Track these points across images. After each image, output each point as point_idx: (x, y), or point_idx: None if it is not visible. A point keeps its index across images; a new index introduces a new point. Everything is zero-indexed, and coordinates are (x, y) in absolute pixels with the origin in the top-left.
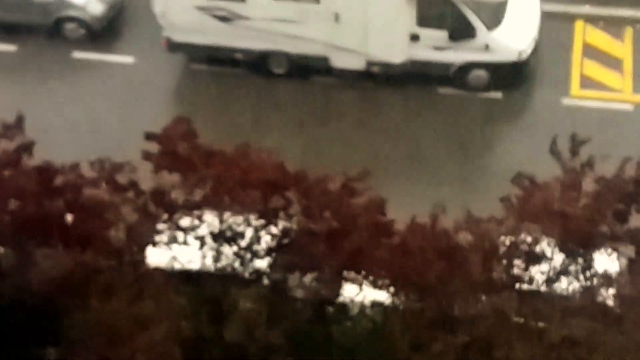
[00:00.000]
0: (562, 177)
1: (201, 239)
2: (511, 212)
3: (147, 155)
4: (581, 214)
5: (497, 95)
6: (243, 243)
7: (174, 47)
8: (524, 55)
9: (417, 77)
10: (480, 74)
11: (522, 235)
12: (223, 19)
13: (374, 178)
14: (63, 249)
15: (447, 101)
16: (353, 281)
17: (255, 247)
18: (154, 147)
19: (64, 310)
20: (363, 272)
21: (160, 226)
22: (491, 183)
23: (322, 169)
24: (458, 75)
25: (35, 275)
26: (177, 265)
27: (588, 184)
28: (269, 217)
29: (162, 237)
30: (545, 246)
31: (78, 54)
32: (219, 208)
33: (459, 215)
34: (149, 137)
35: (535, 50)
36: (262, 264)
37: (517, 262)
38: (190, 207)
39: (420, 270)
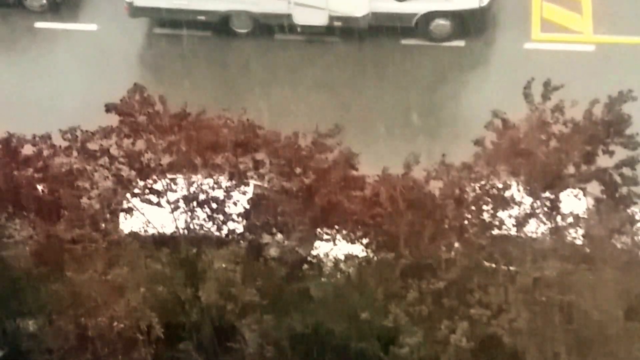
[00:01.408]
0: (530, 119)
1: (174, 203)
2: (481, 157)
3: (107, 130)
4: (548, 155)
5: (460, 43)
6: (215, 205)
7: (136, 12)
8: (485, 2)
9: (380, 29)
10: (443, 23)
11: (492, 181)
12: None
13: (343, 133)
14: (36, 219)
15: (412, 52)
16: (326, 236)
17: (228, 208)
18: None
19: (40, 281)
20: (336, 227)
21: (134, 191)
22: (460, 131)
23: (292, 126)
24: (420, 26)
25: (10, 248)
26: (151, 230)
27: (558, 128)
28: (240, 178)
29: (135, 202)
30: (514, 190)
31: (40, 24)
32: (189, 171)
33: (430, 165)
34: (109, 108)
35: None
36: (235, 224)
37: (487, 207)
38: (162, 171)
39: (392, 220)
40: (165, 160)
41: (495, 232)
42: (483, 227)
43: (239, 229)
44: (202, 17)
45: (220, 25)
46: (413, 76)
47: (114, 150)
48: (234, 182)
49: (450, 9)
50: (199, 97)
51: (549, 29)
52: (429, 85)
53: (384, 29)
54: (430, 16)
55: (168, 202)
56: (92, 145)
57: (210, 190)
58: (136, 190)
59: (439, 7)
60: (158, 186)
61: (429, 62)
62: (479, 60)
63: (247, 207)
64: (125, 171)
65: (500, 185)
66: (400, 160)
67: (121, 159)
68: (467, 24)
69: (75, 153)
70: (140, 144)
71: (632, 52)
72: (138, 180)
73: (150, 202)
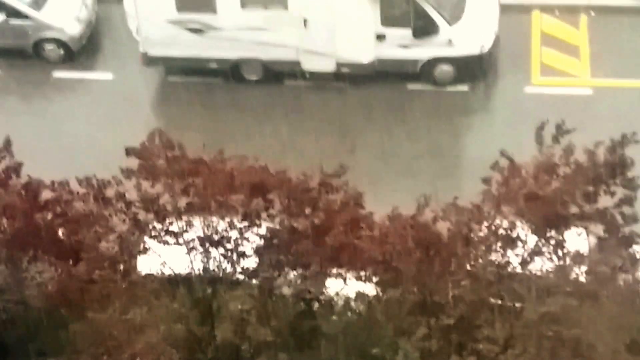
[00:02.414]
0: (537, 161)
1: (189, 244)
2: (488, 197)
3: (127, 172)
4: (553, 195)
5: (464, 87)
6: (229, 245)
7: (150, 61)
8: (486, 48)
9: (386, 75)
10: (446, 69)
11: (499, 220)
12: (196, 31)
13: (351, 175)
14: (57, 262)
15: (417, 96)
16: (337, 275)
17: (242, 248)
18: (134, 162)
19: (62, 322)
20: (346, 266)
21: (151, 233)
22: (465, 172)
23: (301, 168)
24: (425, 71)
25: (32, 289)
26: (168, 271)
27: (562, 169)
28: (253, 219)
29: (152, 244)
30: (520, 229)
31: (58, 74)
32: (205, 213)
33: (437, 206)
34: (129, 152)
35: (496, 43)
36: (249, 264)
37: (494, 246)
38: (179, 213)
39: (401, 259)
40: (182, 202)
41: (502, 269)
42: (490, 265)
43: (253, 268)
44: (213, 65)
45: (231, 73)
46: (419, 120)
47: (130, 195)
48: (247, 222)
49: (453, 55)
50: (213, 141)
51: (549, 73)
52: (434, 128)
53: (390, 74)
54: (434, 62)
55: (184, 243)
56: (110, 191)
57: (224, 231)
58: (153, 233)
59: (442, 54)
60: (174, 228)
61: (434, 106)
62: (482, 103)
63: (260, 246)
64: (142, 214)
65: (506, 225)
66: (408, 200)
67: (137, 203)
68: (470, 69)
69: (92, 200)
70: (158, 187)
71: (629, 94)
72: (155, 222)
73: (166, 243)
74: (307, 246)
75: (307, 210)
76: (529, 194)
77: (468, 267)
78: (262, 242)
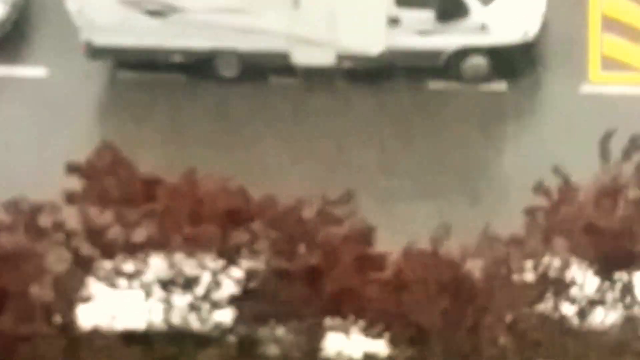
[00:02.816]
0: (599, 182)
1: (147, 289)
2: (534, 228)
3: (69, 196)
4: (619, 227)
5: (501, 86)
6: (199, 291)
7: (95, 52)
8: (530, 35)
9: (400, 70)
10: (478, 62)
11: (548, 258)
12: (155, 13)
13: (356, 199)
14: None
15: (440, 98)
16: (339, 329)
17: (215, 295)
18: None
19: None
20: (351, 318)
21: (97, 274)
22: (502, 195)
23: (292, 192)
24: (451, 65)
25: None
26: (119, 324)
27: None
28: (230, 257)
29: (99, 289)
30: (576, 270)
31: None
32: (167, 249)
33: (466, 238)
34: (71, 169)
35: (543, 28)
36: (224, 316)
37: (543, 292)
38: (133, 249)
39: (421, 309)
40: (138, 235)
41: (553, 323)
42: (537, 317)
43: (229, 321)
44: (177, 58)
45: (200, 68)
46: (443, 128)
47: (71, 224)
48: (222, 261)
49: (487, 44)
50: (176, 156)
51: (611, 67)
52: (463, 139)
53: (406, 69)
54: (463, 53)
55: (140, 287)
56: (44, 219)
57: (192, 272)
58: (100, 273)
59: (474, 42)
60: (128, 267)
61: (462, 110)
62: (524, 107)
63: (239, 293)
64: (87, 250)
65: (558, 265)
66: (429, 231)
67: (80, 235)
68: (509, 63)
69: (21, 230)
70: (108, 215)
71: None
72: (103, 260)
73: (117, 287)
74: (301, 292)
75: (301, 247)
76: (588, 224)
77: (508, 320)
78: (241, 287)
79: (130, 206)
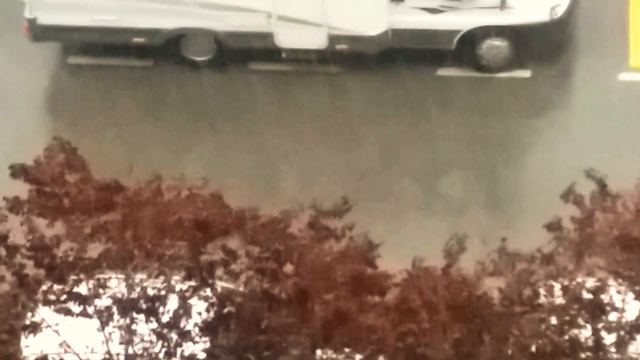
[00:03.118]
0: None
1: (104, 313)
2: (563, 242)
3: (13, 203)
4: None
5: (524, 74)
6: (165, 317)
7: (42, 33)
8: (559, 13)
9: (405, 54)
10: (498, 45)
11: (580, 278)
12: None
13: (355, 210)
14: None
15: (452, 87)
16: None
17: (185, 322)
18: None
19: None
20: (346, 350)
21: (45, 297)
22: (526, 203)
23: (277, 200)
24: (465, 49)
25: None
26: (70, 357)
27: None
28: (202, 277)
29: (47, 314)
30: (614, 292)
31: None
32: (127, 267)
33: (481, 254)
34: (16, 172)
35: (574, 5)
36: (195, 346)
37: (574, 317)
38: (88, 267)
39: (431, 338)
40: (93, 251)
41: (587, 354)
42: (568, 347)
43: (201, 353)
44: (139, 39)
45: (167, 51)
46: (455, 122)
47: (15, 238)
48: (193, 282)
49: (508, 24)
50: (138, 156)
51: None
52: (478, 135)
53: (410, 53)
54: (480, 34)
55: (95, 312)
56: None
57: (158, 295)
58: (49, 296)
59: (492, 21)
60: (81, 289)
61: (477, 101)
62: (552, 98)
63: (213, 319)
64: (33, 268)
65: (592, 285)
66: (440, 246)
67: (25, 251)
68: (534, 46)
69: None
70: (59, 227)
71: None
72: (52, 280)
73: (69, 312)
74: (287, 319)
75: (288, 266)
76: (628, 238)
77: (534, 349)
78: (215, 313)
79: (85, 217)
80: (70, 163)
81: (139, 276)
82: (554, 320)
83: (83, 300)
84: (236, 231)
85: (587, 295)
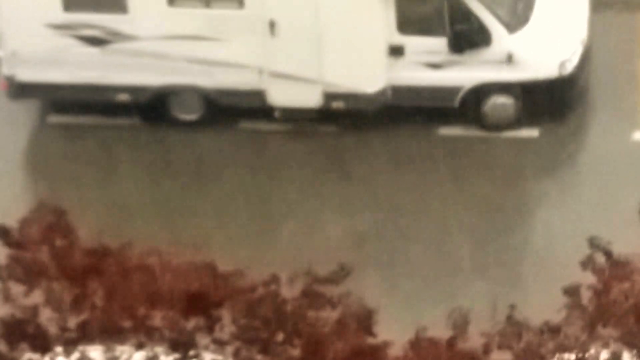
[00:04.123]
0: None
1: None
2: (576, 313)
3: None
4: None
5: (532, 133)
6: None
7: (19, 90)
8: (569, 69)
9: (404, 112)
10: (504, 102)
11: (593, 350)
12: (95, 41)
13: (353, 277)
14: None
15: (455, 147)
16: None
17: None
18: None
19: None
20: None
21: None
22: (533, 271)
23: (269, 267)
24: (469, 106)
25: None
26: None
27: None
28: (187, 348)
29: None
30: None
31: None
32: (110, 339)
33: (487, 325)
34: None
35: (585, 60)
36: None
37: None
38: (69, 340)
39: None
40: (74, 321)
41: None
42: None
43: None
44: (123, 97)
45: (153, 109)
46: (458, 184)
47: None
48: (178, 355)
49: (514, 80)
50: (125, 219)
51: None
52: (483, 198)
53: (411, 111)
54: (485, 91)
55: None
56: None
57: None
58: None
59: (498, 77)
60: None
61: (482, 162)
62: (561, 159)
63: None
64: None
65: (606, 358)
66: (441, 314)
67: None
68: (542, 103)
69: None
70: (37, 295)
71: None
72: (30, 354)
73: None
74: None
75: (279, 335)
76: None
77: None
78: None
79: (70, 284)
80: (58, 227)
81: (122, 348)
82: None
83: None
84: (229, 303)
85: None
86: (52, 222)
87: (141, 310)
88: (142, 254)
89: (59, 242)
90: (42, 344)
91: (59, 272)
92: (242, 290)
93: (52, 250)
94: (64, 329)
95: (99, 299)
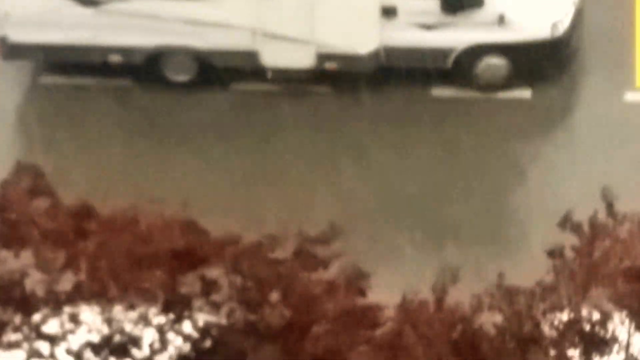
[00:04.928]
0: None
1: (77, 353)
2: (564, 273)
3: None
4: None
5: (525, 94)
6: (140, 353)
7: (12, 51)
8: (561, 29)
9: (397, 74)
10: (495, 63)
11: (584, 311)
12: (88, 1)
13: (343, 235)
14: None
15: (447, 108)
16: None
17: (161, 357)
18: None
19: None
20: None
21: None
22: (525, 232)
23: (261, 227)
24: (461, 67)
25: None
26: None
27: None
28: (182, 309)
29: (12, 356)
30: (618, 325)
31: None
32: (102, 301)
33: (480, 286)
34: None
35: (577, 21)
36: None
37: (575, 351)
38: (58, 302)
39: None
40: (64, 284)
41: None
42: None
43: None
44: (116, 58)
45: (145, 70)
46: (450, 145)
47: None
48: (171, 315)
49: (507, 41)
50: (114, 180)
51: None
52: (476, 161)
53: (403, 72)
54: (477, 52)
55: (68, 352)
56: None
57: (134, 330)
58: (15, 336)
59: (490, 39)
60: (51, 327)
61: (475, 124)
62: (553, 119)
63: (192, 354)
64: None
65: (596, 319)
66: (429, 276)
67: None
68: (534, 64)
69: None
70: (26, 257)
71: None
72: (19, 317)
73: (38, 355)
74: (271, 354)
75: (272, 296)
76: (633, 267)
77: None
78: (195, 347)
79: (55, 247)
80: (37, 189)
81: (113, 310)
82: (552, 353)
83: (53, 339)
84: (215, 259)
85: (588, 329)
86: (31, 185)
87: (130, 272)
88: (127, 214)
89: (39, 204)
90: (28, 307)
91: (41, 235)
92: (230, 246)
93: (33, 212)
94: (52, 292)
95: (87, 261)
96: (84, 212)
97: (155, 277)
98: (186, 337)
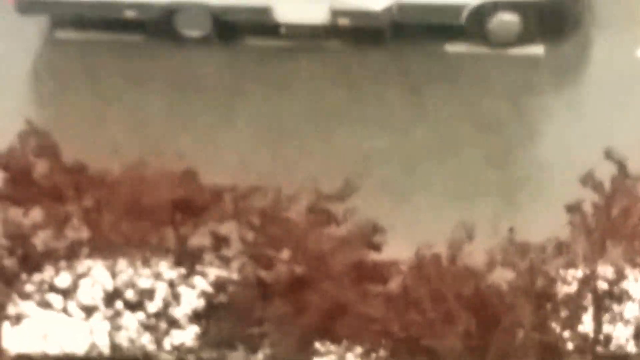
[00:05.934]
0: None
1: (89, 306)
2: (579, 230)
3: None
4: None
5: (538, 50)
6: (153, 307)
7: (28, 5)
8: None
9: (410, 30)
10: (508, 19)
11: (600, 268)
12: None
13: (358, 192)
14: None
15: (461, 64)
16: (330, 356)
17: (173, 311)
18: None
19: None
20: (345, 341)
21: (23, 289)
22: (539, 188)
23: (276, 182)
24: (475, 24)
25: None
26: (54, 349)
27: None
28: (193, 264)
29: (26, 307)
30: (632, 282)
31: None
32: (112, 255)
33: (493, 242)
34: None
35: None
36: (185, 337)
37: (589, 309)
38: (68, 256)
39: (436, 331)
40: (65, 239)
41: (602, 345)
42: (584, 340)
43: (191, 343)
44: (131, 13)
45: (159, 26)
46: (464, 101)
47: None
48: (182, 270)
49: None
50: (126, 137)
51: None
52: (490, 117)
53: (416, 29)
54: (490, 8)
55: (79, 305)
56: None
57: (145, 284)
58: (27, 288)
59: None
60: (63, 280)
61: (488, 80)
62: (566, 75)
63: (204, 309)
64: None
65: (611, 276)
66: (448, 232)
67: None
68: (547, 20)
69: None
70: (36, 214)
71: None
72: (30, 272)
73: (50, 306)
74: (282, 309)
75: (284, 252)
76: None
77: (544, 343)
78: (207, 301)
79: (58, 204)
80: (41, 149)
81: (123, 264)
82: (566, 311)
83: (65, 293)
84: (214, 207)
85: (603, 285)
86: (37, 145)
87: (140, 226)
88: (135, 168)
89: (43, 164)
90: (39, 262)
91: (45, 193)
92: (226, 192)
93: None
94: (62, 247)
95: (89, 217)
96: (76, 169)
97: (163, 231)
98: (198, 292)
